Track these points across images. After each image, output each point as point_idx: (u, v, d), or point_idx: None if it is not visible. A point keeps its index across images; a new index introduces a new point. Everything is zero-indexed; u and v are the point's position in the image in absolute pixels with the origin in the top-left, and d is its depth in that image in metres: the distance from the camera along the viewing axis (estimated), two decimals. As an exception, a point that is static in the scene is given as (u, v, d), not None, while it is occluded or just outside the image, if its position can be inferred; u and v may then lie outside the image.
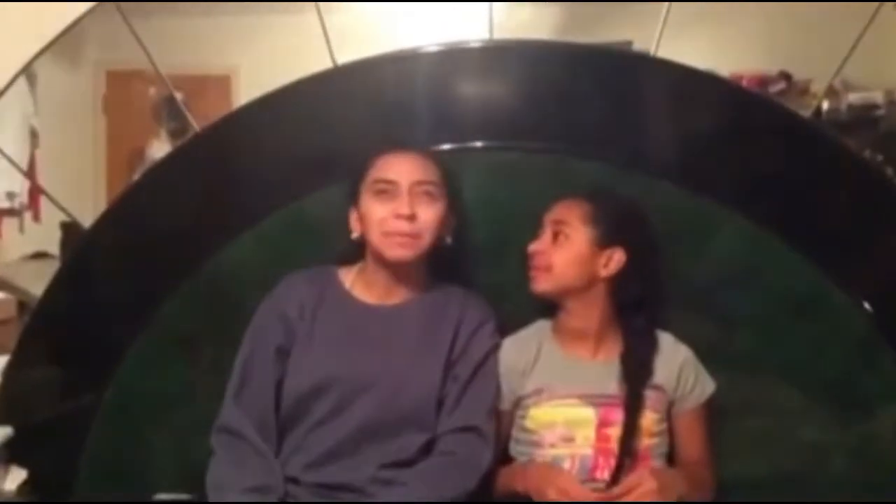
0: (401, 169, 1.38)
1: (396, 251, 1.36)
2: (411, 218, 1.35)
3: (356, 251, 1.43)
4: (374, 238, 1.37)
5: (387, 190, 1.36)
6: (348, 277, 1.44)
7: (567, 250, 1.37)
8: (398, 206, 1.35)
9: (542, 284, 1.39)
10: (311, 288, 1.42)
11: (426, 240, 1.37)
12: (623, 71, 1.57)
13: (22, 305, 1.70)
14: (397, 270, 1.40)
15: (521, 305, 1.46)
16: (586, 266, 1.37)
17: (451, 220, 1.42)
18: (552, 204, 1.42)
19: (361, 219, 1.39)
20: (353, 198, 1.42)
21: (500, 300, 1.46)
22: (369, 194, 1.38)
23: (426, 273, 1.44)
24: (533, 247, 1.41)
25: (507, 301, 1.47)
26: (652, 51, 1.52)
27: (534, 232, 1.42)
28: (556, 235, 1.39)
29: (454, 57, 1.57)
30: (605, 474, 1.31)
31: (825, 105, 2.92)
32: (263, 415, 1.36)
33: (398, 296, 1.42)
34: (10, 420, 1.52)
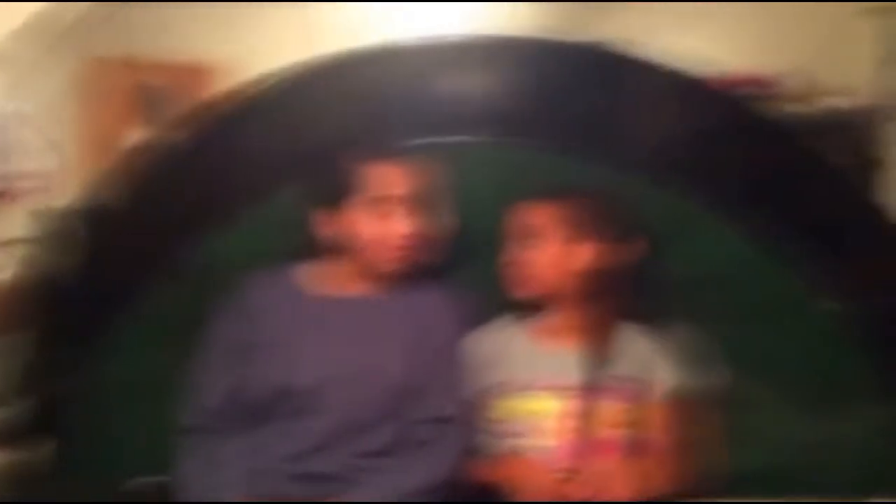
0: (400, 184, 1.37)
1: (395, 265, 1.38)
2: (414, 236, 1.37)
3: (321, 246, 1.42)
4: (370, 251, 1.37)
5: (386, 206, 1.36)
6: (316, 274, 1.44)
7: (544, 253, 1.39)
8: (400, 225, 1.35)
9: (525, 290, 1.41)
10: (276, 285, 1.43)
11: (422, 250, 1.39)
12: (597, 66, 1.58)
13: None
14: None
15: (493, 297, 1.47)
16: (563, 265, 1.39)
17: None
18: (516, 207, 1.42)
19: (351, 225, 1.37)
20: (334, 200, 1.38)
21: (472, 292, 1.47)
22: (364, 206, 1.36)
23: None
24: (510, 256, 1.41)
25: (479, 293, 1.48)
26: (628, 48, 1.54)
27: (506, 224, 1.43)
28: (529, 240, 1.39)
29: (433, 51, 1.58)
30: (571, 465, 1.31)
31: (809, 107, 2.94)
32: (228, 413, 1.38)
33: (370, 289, 1.43)
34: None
